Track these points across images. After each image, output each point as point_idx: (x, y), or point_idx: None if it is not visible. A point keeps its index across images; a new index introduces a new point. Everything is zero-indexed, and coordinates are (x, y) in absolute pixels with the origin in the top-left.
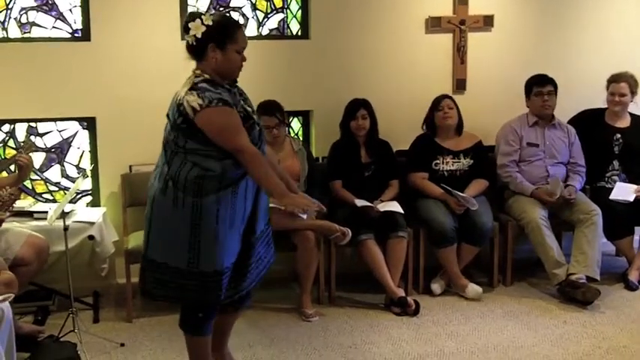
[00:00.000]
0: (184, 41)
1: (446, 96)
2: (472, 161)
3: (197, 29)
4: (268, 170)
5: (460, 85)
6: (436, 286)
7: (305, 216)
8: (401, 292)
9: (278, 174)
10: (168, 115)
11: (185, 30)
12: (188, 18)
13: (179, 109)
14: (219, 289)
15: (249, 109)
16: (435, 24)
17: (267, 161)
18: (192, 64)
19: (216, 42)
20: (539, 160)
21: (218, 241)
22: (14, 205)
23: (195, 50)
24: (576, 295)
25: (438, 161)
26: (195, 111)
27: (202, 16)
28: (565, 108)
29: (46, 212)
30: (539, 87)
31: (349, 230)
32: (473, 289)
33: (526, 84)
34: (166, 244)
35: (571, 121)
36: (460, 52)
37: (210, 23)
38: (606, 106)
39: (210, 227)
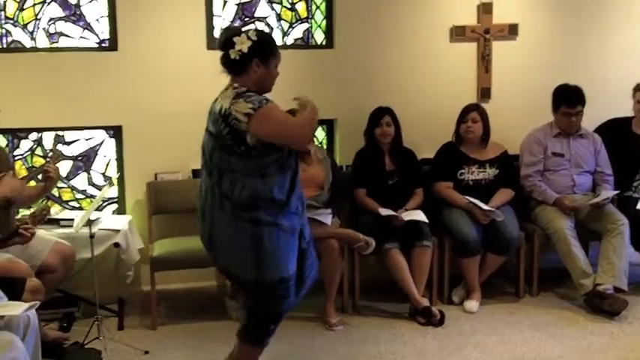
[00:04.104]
0: (211, 51)
1: (475, 107)
2: (498, 171)
3: (243, 44)
4: (310, 118)
5: (485, 93)
6: (457, 296)
7: (329, 222)
8: (425, 302)
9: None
10: (210, 132)
11: (226, 44)
12: (229, 32)
13: (227, 121)
14: (288, 296)
15: None
16: (459, 33)
17: (300, 118)
18: (219, 73)
19: (260, 57)
20: (565, 169)
21: (281, 246)
22: (45, 219)
23: (237, 64)
24: (603, 305)
25: (463, 170)
26: (248, 116)
27: (248, 32)
28: (590, 116)
29: (73, 220)
30: (568, 108)
31: (373, 240)
32: (470, 303)
33: (554, 95)
34: (232, 257)
35: (597, 130)
36: (485, 60)
37: (256, 39)
38: (633, 114)
39: (271, 235)
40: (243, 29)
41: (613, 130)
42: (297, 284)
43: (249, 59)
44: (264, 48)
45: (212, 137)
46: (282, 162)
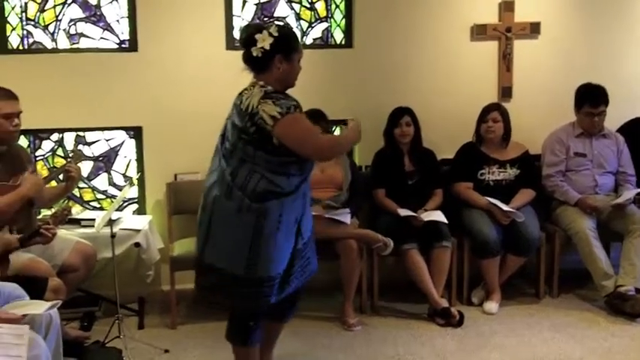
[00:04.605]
0: (230, 51)
1: (496, 107)
2: (519, 171)
3: (265, 41)
4: (344, 140)
5: (506, 92)
6: (476, 298)
7: (348, 221)
8: (444, 303)
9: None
10: (234, 123)
11: (248, 42)
12: (250, 30)
13: (253, 120)
14: (271, 295)
15: None
16: (480, 31)
17: (331, 137)
18: (239, 73)
19: (283, 53)
20: (587, 169)
21: (277, 247)
22: (66, 219)
23: (260, 61)
24: (625, 307)
25: (483, 171)
26: (275, 119)
27: (269, 28)
28: (613, 116)
29: (94, 220)
30: (591, 108)
31: (391, 240)
32: (489, 304)
33: (577, 95)
34: (226, 250)
35: (620, 130)
36: (506, 59)
37: (277, 35)
38: None
39: (271, 232)
40: (265, 25)
41: (636, 130)
42: (281, 284)
43: (271, 56)
44: (286, 44)
45: (237, 129)
46: (303, 163)
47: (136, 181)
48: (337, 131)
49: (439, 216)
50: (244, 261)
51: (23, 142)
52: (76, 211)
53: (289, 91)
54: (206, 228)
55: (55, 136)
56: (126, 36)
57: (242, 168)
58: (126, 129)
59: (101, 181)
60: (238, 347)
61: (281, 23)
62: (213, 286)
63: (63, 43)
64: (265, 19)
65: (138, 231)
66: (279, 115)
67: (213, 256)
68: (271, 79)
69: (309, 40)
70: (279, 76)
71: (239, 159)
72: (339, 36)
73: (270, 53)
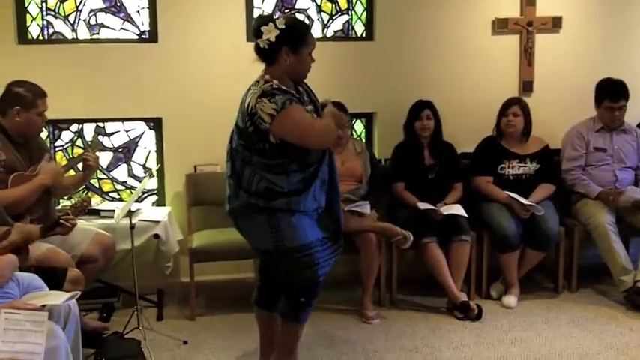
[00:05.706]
0: (250, 43)
1: (516, 101)
2: (539, 166)
3: (270, 33)
4: (323, 129)
5: (527, 87)
6: (495, 291)
7: (368, 210)
8: (463, 297)
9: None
10: (237, 125)
11: (256, 33)
12: (259, 21)
13: (252, 119)
14: (314, 264)
15: (311, 107)
16: (501, 25)
17: (321, 121)
18: (258, 65)
19: (289, 45)
20: (607, 164)
21: (294, 221)
22: (86, 210)
23: (268, 53)
24: None
25: (503, 165)
26: (272, 117)
27: (276, 20)
28: (633, 112)
29: (113, 211)
30: (611, 102)
31: (410, 234)
32: (508, 298)
33: (597, 89)
34: (253, 235)
35: None
36: (527, 53)
37: (284, 27)
38: None
39: (286, 219)
40: (275, 17)
41: None
42: (332, 243)
43: (277, 48)
44: (294, 36)
45: (239, 132)
46: (304, 159)
47: (155, 173)
48: (357, 125)
49: (459, 210)
50: (271, 239)
51: (43, 132)
52: (96, 202)
53: (311, 83)
54: (234, 217)
55: (74, 127)
56: (146, 27)
57: (245, 170)
58: (146, 120)
59: (121, 173)
60: (288, 322)
61: (294, 15)
62: (264, 263)
63: (83, 33)
64: (286, 11)
65: (157, 222)
66: (274, 111)
67: (249, 239)
68: (278, 72)
69: (329, 33)
70: (287, 69)
71: (241, 161)
72: (360, 29)
73: (276, 45)
